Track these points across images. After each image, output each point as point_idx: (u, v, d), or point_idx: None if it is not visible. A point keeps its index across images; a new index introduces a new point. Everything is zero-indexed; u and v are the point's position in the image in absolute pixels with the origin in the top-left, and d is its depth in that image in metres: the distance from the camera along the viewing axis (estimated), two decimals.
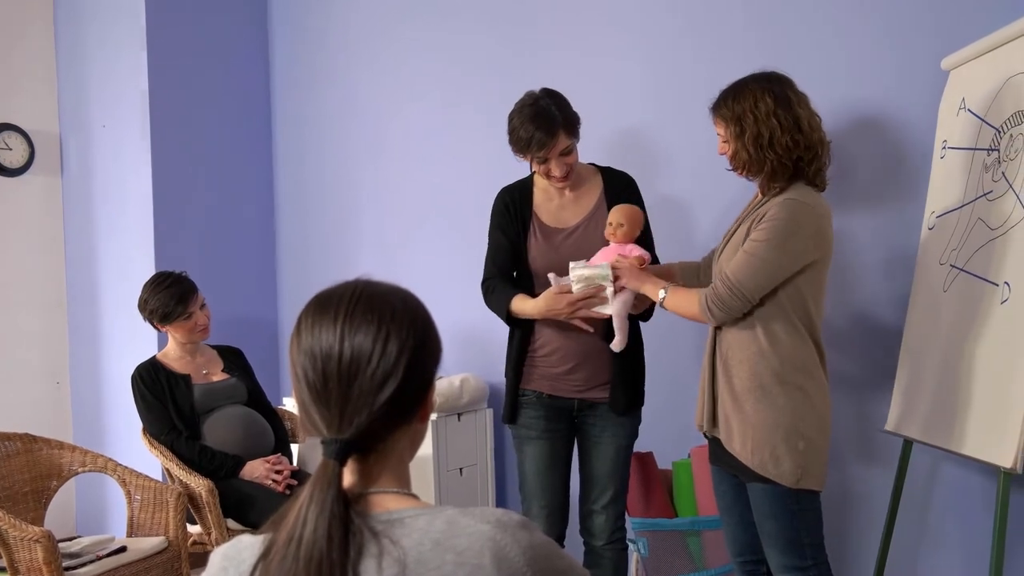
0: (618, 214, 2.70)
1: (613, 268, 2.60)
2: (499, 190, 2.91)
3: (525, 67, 3.63)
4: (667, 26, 3.40)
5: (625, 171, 2.91)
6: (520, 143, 2.71)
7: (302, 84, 4.73)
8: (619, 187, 2.84)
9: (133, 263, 4.39)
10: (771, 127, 2.30)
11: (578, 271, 2.62)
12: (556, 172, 2.72)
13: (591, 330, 2.69)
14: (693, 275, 2.74)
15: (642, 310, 2.74)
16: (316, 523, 1.07)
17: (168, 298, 3.54)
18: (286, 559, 1.07)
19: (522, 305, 2.75)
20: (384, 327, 1.15)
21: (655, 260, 2.83)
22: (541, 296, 2.70)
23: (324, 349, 1.14)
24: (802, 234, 2.29)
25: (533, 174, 2.89)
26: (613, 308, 2.64)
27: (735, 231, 2.45)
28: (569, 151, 2.72)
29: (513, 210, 2.84)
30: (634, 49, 3.49)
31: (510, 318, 2.79)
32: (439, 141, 4.13)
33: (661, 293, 2.51)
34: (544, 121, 2.66)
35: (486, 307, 2.89)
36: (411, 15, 4.22)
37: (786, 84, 2.38)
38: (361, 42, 4.44)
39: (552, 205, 2.84)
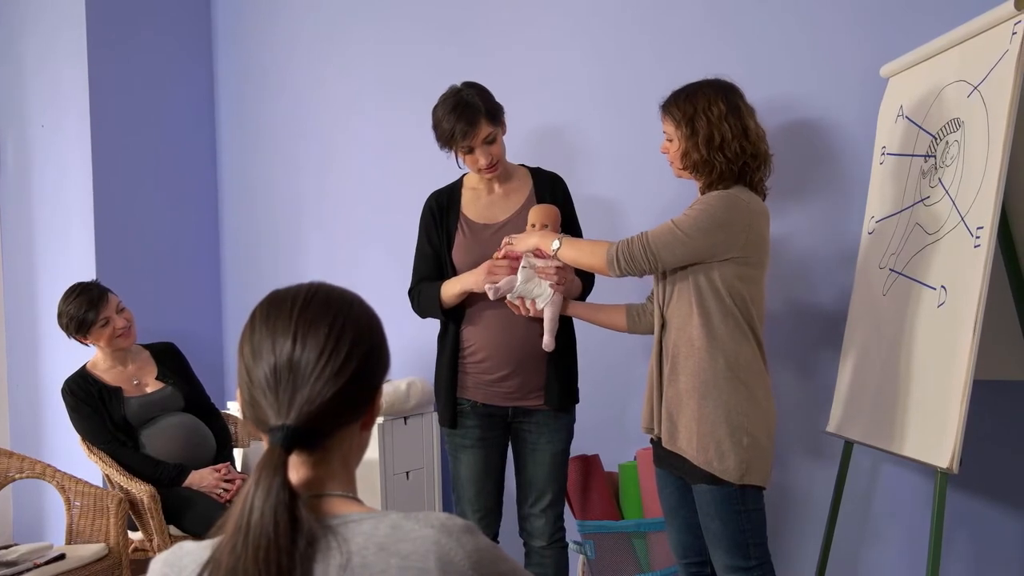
0: (539, 214, 2.73)
1: (507, 245, 2.66)
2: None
3: (472, 70, 3.63)
4: (614, 28, 3.42)
5: (556, 171, 2.94)
6: (444, 135, 2.74)
7: (247, 95, 4.68)
8: (549, 185, 2.87)
9: (72, 265, 4.31)
10: (722, 131, 2.35)
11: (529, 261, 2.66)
12: (482, 161, 2.74)
13: (524, 312, 2.69)
14: (636, 318, 2.74)
15: (577, 294, 2.78)
16: (263, 509, 1.06)
17: (78, 307, 3.44)
18: (235, 549, 1.06)
19: (451, 287, 2.76)
20: (338, 325, 1.16)
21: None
22: (467, 272, 2.73)
23: (278, 342, 1.15)
24: (731, 228, 2.33)
25: (463, 177, 2.92)
26: (547, 310, 2.66)
27: None
28: (493, 139, 2.75)
29: (439, 214, 2.86)
30: (582, 49, 3.51)
31: (444, 310, 2.78)
32: (385, 149, 4.12)
33: (555, 244, 2.54)
34: (466, 110, 2.70)
35: (419, 314, 2.90)
36: (355, 24, 4.20)
37: (737, 94, 2.42)
38: (306, 52, 4.41)
39: (480, 203, 2.86)
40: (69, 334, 3.51)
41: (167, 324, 4.12)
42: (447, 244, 2.83)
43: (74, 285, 3.55)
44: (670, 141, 2.46)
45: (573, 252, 2.53)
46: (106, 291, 3.53)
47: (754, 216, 2.36)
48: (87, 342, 3.53)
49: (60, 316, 3.49)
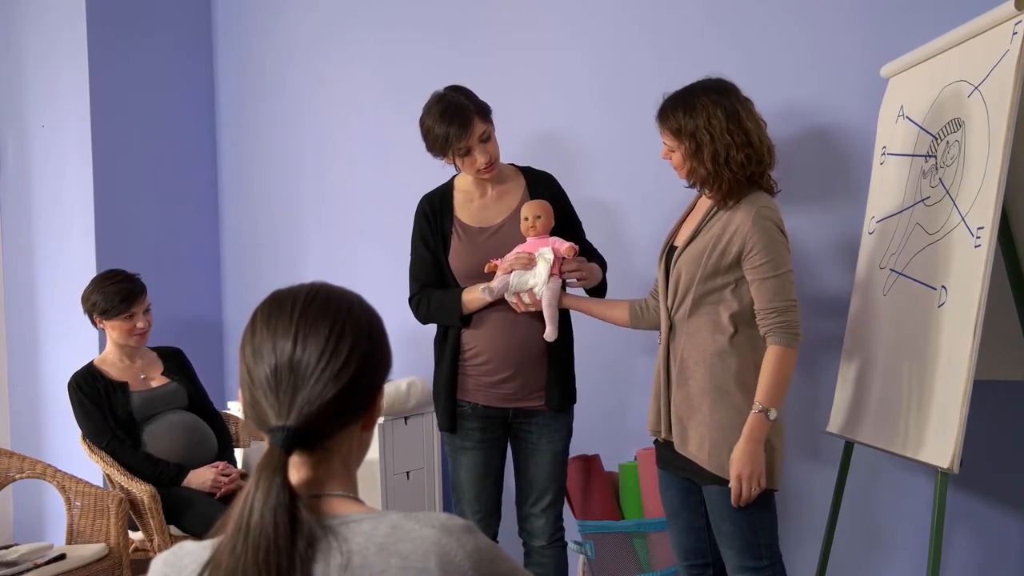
0: (532, 208, 2.73)
1: None
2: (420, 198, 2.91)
3: (470, 71, 3.64)
4: (614, 28, 3.42)
5: (554, 172, 2.93)
6: (439, 140, 2.70)
7: (247, 95, 4.67)
8: (541, 184, 2.86)
9: (73, 265, 4.31)
10: (726, 144, 2.32)
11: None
12: (480, 161, 2.71)
13: (524, 307, 2.70)
14: (639, 313, 2.73)
15: (594, 284, 2.79)
16: (262, 510, 1.07)
17: (114, 294, 3.47)
18: (235, 549, 1.06)
19: (473, 292, 2.72)
20: (338, 326, 1.16)
21: (596, 256, 2.86)
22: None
23: (278, 343, 1.15)
24: (782, 237, 2.36)
25: (453, 179, 2.90)
26: (545, 298, 2.66)
27: (691, 238, 2.44)
28: (488, 137, 2.73)
29: (433, 217, 2.82)
30: (582, 50, 3.51)
31: (463, 316, 2.75)
32: (384, 149, 4.11)
33: (772, 413, 2.31)
34: (457, 112, 2.67)
35: (422, 321, 2.87)
36: (355, 24, 4.20)
37: (733, 95, 2.38)
38: (305, 52, 4.41)
39: (473, 206, 2.83)
40: (88, 311, 3.53)
41: (167, 324, 4.11)
42: (443, 248, 2.81)
43: (117, 270, 3.58)
44: (672, 151, 2.43)
45: (779, 388, 2.32)
46: (145, 289, 3.56)
47: (781, 222, 2.38)
48: (101, 325, 3.55)
49: (89, 295, 3.51)
